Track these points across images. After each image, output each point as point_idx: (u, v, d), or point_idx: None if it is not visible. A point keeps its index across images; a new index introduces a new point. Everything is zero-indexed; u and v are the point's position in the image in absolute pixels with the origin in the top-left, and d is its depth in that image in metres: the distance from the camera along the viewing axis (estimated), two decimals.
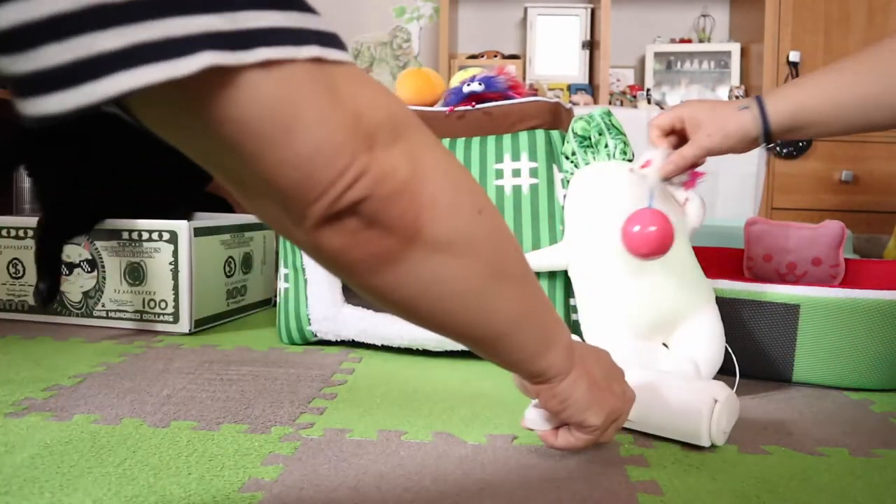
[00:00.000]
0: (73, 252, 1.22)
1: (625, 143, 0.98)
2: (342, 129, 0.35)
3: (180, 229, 1.16)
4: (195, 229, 1.17)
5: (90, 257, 1.22)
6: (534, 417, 0.63)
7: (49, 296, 1.10)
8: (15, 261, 1.27)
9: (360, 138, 0.35)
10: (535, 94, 1.06)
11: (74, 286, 1.23)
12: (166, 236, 1.16)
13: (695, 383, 0.72)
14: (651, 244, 0.79)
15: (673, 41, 2.69)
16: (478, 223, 0.43)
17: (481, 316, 0.46)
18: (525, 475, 0.62)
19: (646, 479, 0.61)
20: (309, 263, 1.07)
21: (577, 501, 0.57)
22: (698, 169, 0.87)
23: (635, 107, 2.44)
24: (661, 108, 2.47)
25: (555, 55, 2.65)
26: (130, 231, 1.19)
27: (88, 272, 1.22)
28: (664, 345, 0.89)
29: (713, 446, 0.69)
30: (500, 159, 1.01)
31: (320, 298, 1.07)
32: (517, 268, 0.48)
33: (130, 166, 1.24)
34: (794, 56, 2.37)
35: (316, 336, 1.10)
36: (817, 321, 0.89)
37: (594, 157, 0.98)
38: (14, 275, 1.27)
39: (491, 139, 1.03)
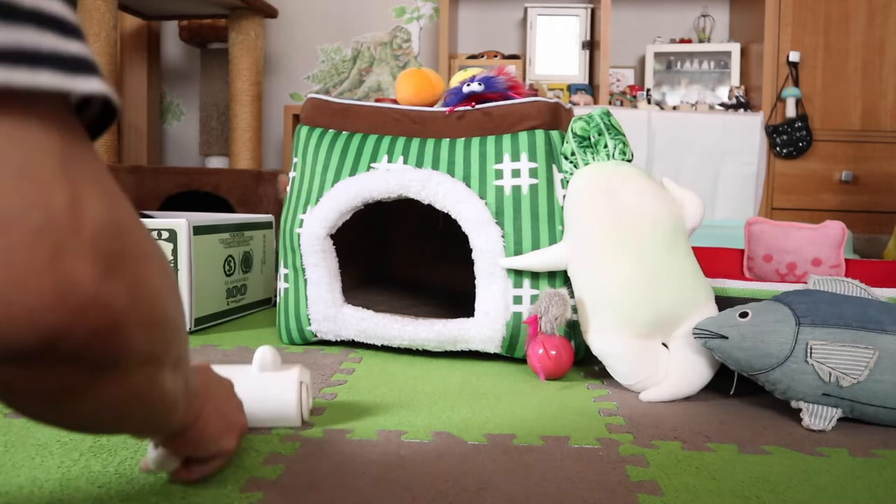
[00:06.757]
0: None
1: (624, 143, 0.98)
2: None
3: (179, 228, 1.16)
4: (194, 228, 1.17)
5: None
6: (159, 459, 0.56)
7: None
8: None
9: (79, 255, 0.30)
10: (535, 95, 1.06)
11: None
12: (165, 235, 1.16)
13: (277, 372, 0.72)
14: (548, 369, 0.92)
15: (673, 41, 2.69)
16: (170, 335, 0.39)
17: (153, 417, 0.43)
18: (525, 475, 0.62)
19: (646, 479, 0.61)
20: (309, 263, 1.07)
21: (577, 501, 0.57)
22: None
23: (635, 107, 2.44)
24: (661, 109, 2.47)
25: (555, 55, 2.65)
26: None
27: None
28: (664, 344, 0.89)
29: (712, 447, 0.69)
30: (499, 159, 1.01)
31: (320, 298, 1.07)
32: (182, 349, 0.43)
33: None
34: (794, 56, 2.37)
35: (316, 336, 1.09)
36: None
37: (593, 158, 0.98)
38: None
39: (490, 139, 1.03)
